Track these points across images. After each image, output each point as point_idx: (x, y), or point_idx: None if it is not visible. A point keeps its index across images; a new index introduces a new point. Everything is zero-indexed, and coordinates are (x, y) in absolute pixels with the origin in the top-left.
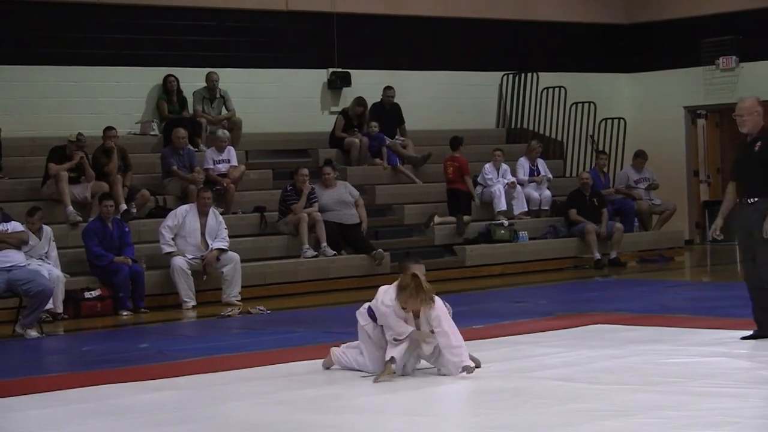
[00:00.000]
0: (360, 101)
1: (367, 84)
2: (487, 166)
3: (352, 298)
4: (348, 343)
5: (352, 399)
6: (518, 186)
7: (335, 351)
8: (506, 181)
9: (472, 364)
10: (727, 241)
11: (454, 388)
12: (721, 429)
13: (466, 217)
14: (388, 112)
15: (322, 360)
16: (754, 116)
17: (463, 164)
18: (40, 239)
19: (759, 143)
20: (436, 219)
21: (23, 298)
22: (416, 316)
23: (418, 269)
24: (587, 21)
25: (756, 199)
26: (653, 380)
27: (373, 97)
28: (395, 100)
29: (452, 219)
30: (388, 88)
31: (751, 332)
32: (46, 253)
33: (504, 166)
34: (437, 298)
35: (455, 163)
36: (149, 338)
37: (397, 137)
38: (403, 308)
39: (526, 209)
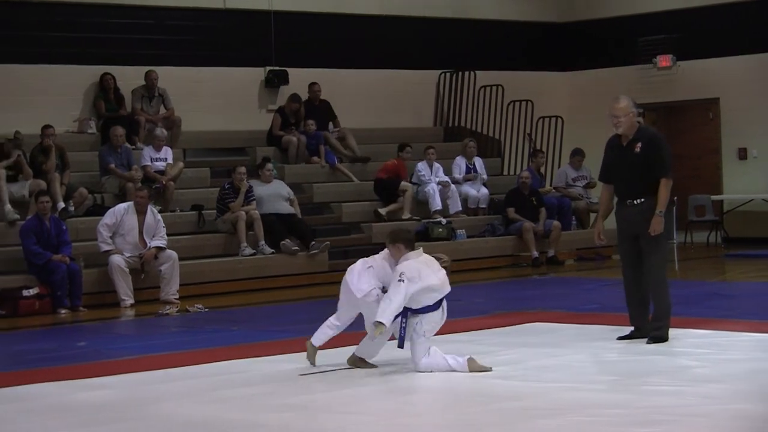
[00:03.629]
0: (295, 98)
1: (305, 82)
2: (420, 165)
3: (290, 297)
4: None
5: (287, 397)
6: (452, 185)
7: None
8: (438, 180)
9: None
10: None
11: (390, 386)
12: (657, 427)
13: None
14: (318, 108)
15: (257, 358)
16: (630, 117)
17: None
18: None
19: (639, 144)
20: (382, 211)
21: None
22: None
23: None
24: (525, 19)
25: (642, 200)
26: (591, 378)
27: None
28: (329, 97)
29: (396, 206)
30: (313, 83)
31: (628, 332)
32: None
33: (436, 165)
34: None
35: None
36: (87, 337)
37: (331, 129)
38: None
39: (461, 208)
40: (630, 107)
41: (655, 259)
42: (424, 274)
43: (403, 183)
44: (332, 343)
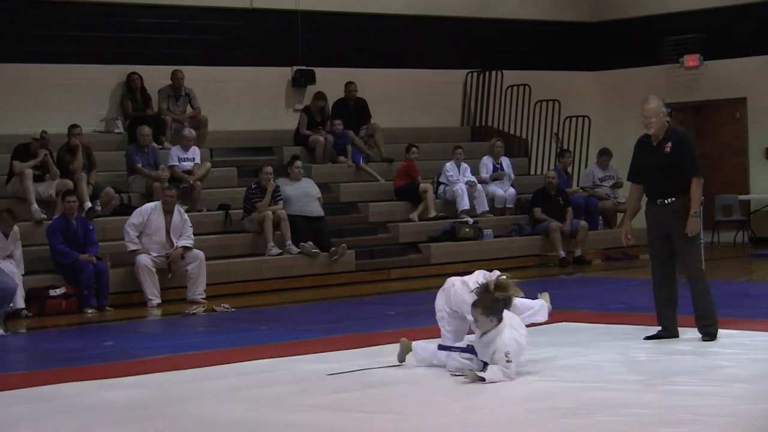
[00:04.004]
0: (319, 95)
1: (332, 81)
2: (448, 165)
3: (317, 296)
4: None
5: (314, 397)
6: (479, 185)
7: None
8: (466, 180)
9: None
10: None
11: (417, 386)
12: (684, 427)
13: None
14: (353, 108)
15: (284, 358)
16: (660, 117)
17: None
18: (7, 238)
19: (669, 144)
20: (413, 216)
21: None
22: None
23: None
24: (552, 19)
25: (672, 199)
26: (618, 378)
27: (337, 95)
28: (361, 96)
29: (422, 206)
30: (350, 83)
31: (656, 332)
32: (11, 253)
33: (464, 165)
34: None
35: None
36: (114, 336)
37: (363, 129)
38: None
39: (487, 208)
40: (660, 107)
41: (691, 259)
42: (521, 344)
43: (421, 185)
44: (359, 343)
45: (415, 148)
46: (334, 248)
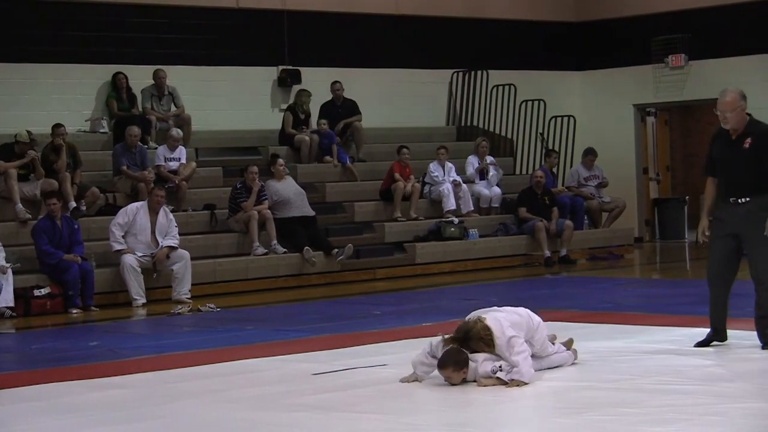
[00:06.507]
0: (303, 92)
1: (318, 81)
2: (432, 165)
3: (303, 296)
4: None
5: (300, 397)
6: (464, 185)
7: None
8: (451, 179)
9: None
10: (677, 239)
11: (403, 385)
12: (671, 426)
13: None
14: (341, 109)
15: (270, 357)
16: (738, 111)
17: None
18: None
19: (749, 139)
20: (399, 215)
21: None
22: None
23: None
24: (538, 19)
25: (747, 198)
26: (604, 377)
27: (323, 94)
28: (347, 96)
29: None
30: (335, 82)
31: (706, 336)
32: None
33: (449, 165)
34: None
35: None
36: (99, 336)
37: (348, 130)
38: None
39: (473, 208)
40: (738, 101)
41: (764, 264)
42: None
43: (408, 185)
44: (345, 343)
45: (406, 149)
46: (337, 249)
